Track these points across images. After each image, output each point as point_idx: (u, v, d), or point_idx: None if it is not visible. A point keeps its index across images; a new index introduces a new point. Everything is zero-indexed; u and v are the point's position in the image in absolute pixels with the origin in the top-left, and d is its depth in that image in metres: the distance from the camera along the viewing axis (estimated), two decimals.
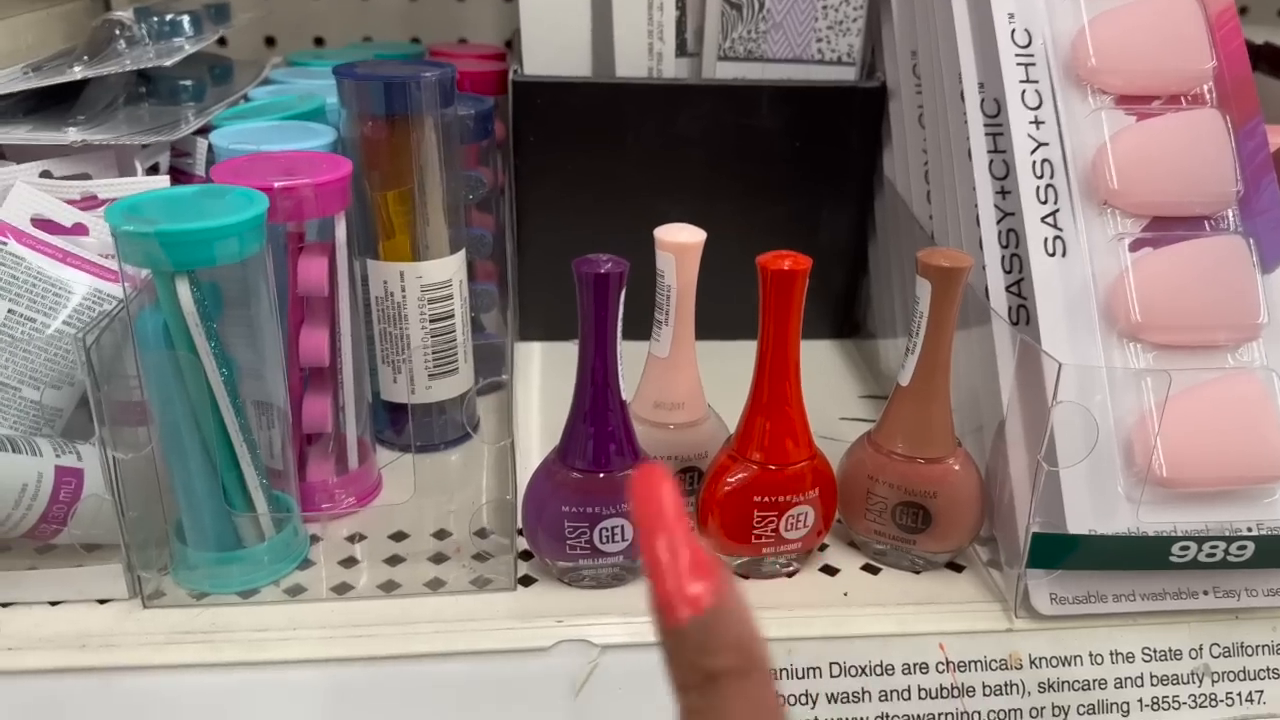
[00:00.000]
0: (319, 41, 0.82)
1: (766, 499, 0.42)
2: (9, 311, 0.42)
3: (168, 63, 0.50)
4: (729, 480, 0.42)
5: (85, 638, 0.39)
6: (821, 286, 0.63)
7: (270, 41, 0.81)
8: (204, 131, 0.50)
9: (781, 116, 0.58)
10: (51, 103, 0.51)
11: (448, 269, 0.49)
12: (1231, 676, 0.42)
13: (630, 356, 0.41)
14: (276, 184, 0.41)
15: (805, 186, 0.60)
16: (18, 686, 0.38)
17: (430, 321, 0.49)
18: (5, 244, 0.42)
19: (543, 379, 0.60)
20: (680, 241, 0.42)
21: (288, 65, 0.68)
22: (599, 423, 0.40)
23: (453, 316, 0.50)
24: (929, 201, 0.53)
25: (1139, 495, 0.40)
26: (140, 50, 0.52)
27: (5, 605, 0.41)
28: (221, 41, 0.78)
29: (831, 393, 0.59)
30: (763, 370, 0.41)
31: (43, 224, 0.43)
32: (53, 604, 0.41)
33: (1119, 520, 0.40)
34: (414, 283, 0.48)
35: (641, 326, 0.44)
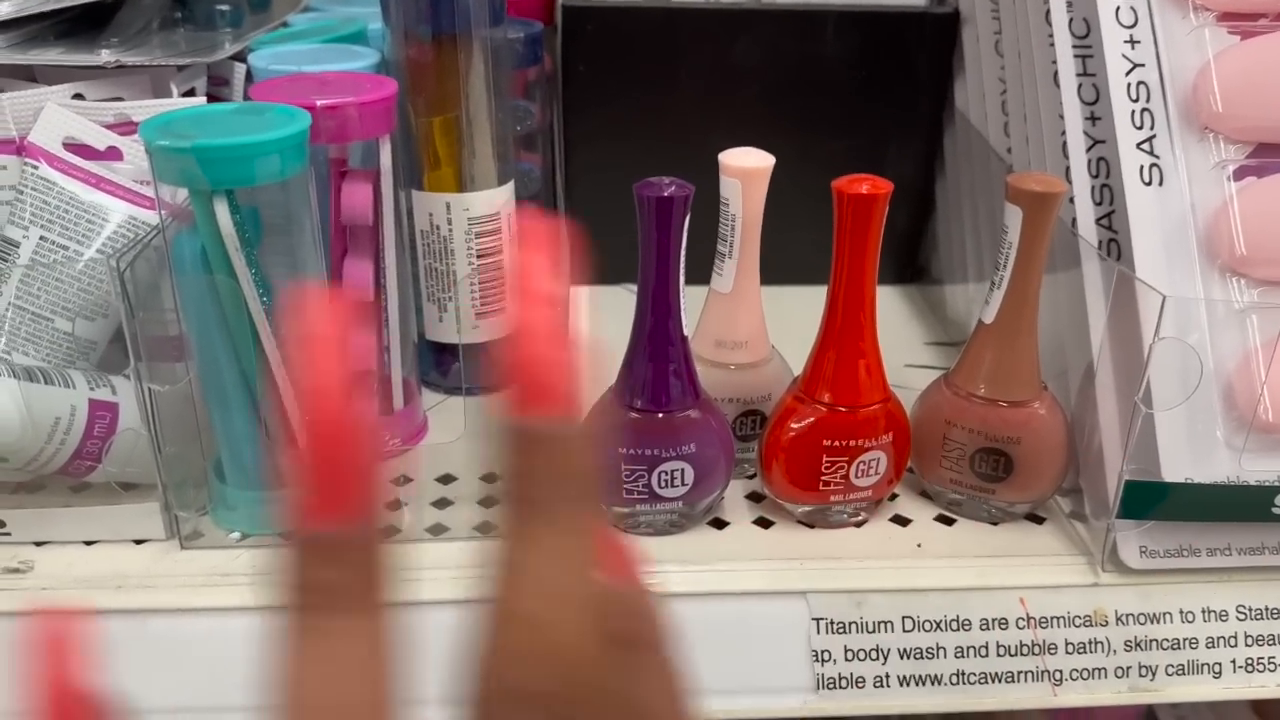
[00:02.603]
0: None
1: (836, 443, 0.39)
2: (40, 239, 0.40)
3: None
4: (794, 424, 0.39)
5: (121, 578, 0.37)
6: (885, 228, 0.60)
7: None
8: (241, 59, 0.48)
9: (846, 44, 0.55)
10: (84, 25, 0.49)
11: (496, 201, 0.47)
12: None
13: (686, 299, 0.38)
14: (319, 102, 0.38)
15: (870, 120, 0.57)
16: None
17: (478, 257, 0.47)
18: (36, 167, 0.40)
19: (591, 323, 0.57)
20: (747, 166, 0.39)
21: None
22: (659, 359, 0.38)
23: (501, 252, 0.47)
24: (1006, 134, 0.50)
25: (1241, 442, 0.37)
26: None
27: (40, 544, 0.39)
28: None
29: (896, 339, 0.56)
30: (835, 303, 0.38)
31: (75, 148, 0.41)
32: (88, 544, 0.39)
33: (1218, 468, 0.38)
34: (460, 215, 0.46)
35: (697, 269, 0.42)
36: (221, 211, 0.34)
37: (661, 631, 0.20)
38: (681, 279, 0.37)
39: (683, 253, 0.37)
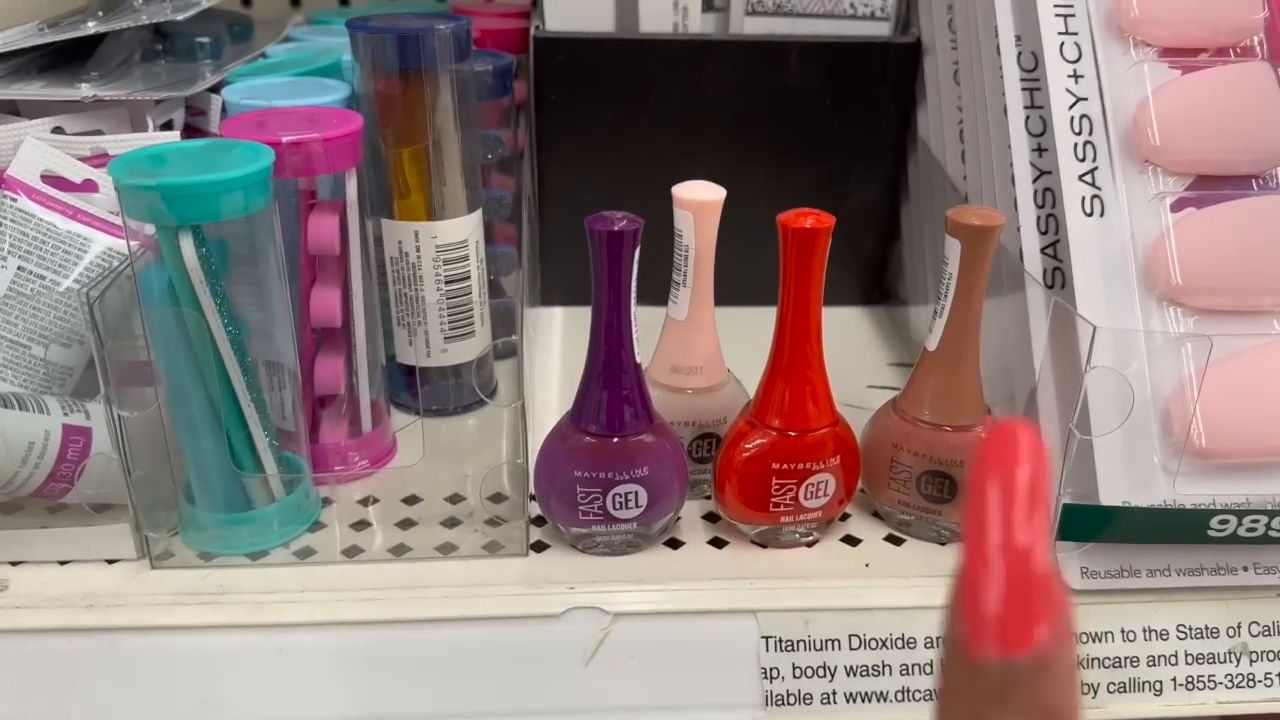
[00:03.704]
0: (344, 1, 0.81)
1: (785, 466, 0.40)
2: (19, 269, 0.41)
3: (181, 18, 0.49)
4: (747, 447, 0.41)
5: (92, 597, 0.39)
6: (851, 251, 0.62)
7: (295, 1, 0.80)
8: (219, 90, 0.49)
9: (812, 74, 0.56)
10: (66, 60, 0.50)
11: (464, 229, 0.48)
12: (1271, 656, 0.41)
13: (649, 322, 0.40)
14: (285, 138, 0.40)
15: (836, 147, 0.58)
16: (25, 645, 0.38)
17: (446, 283, 0.48)
18: (15, 200, 0.42)
19: (564, 344, 0.59)
20: (699, 199, 0.40)
21: (310, 24, 0.67)
22: (612, 385, 0.39)
23: (469, 278, 0.49)
24: (963, 161, 0.51)
25: (1176, 466, 0.39)
26: (156, 6, 0.51)
27: (14, 564, 0.40)
28: (245, 2, 0.78)
29: (860, 360, 0.57)
30: (783, 333, 0.40)
31: (53, 180, 0.43)
32: (61, 563, 0.40)
33: (1155, 492, 0.39)
34: (429, 243, 0.47)
35: (663, 291, 0.43)
36: (186, 247, 0.36)
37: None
38: (634, 308, 0.38)
39: (634, 283, 0.38)
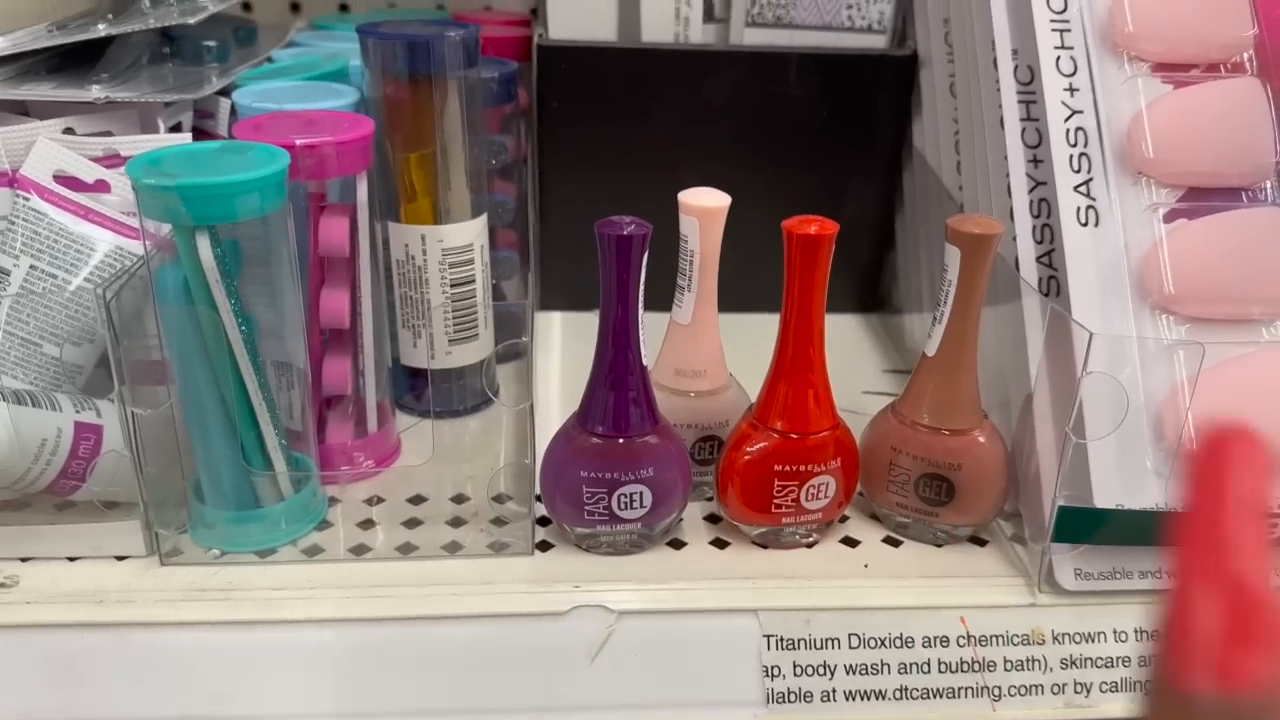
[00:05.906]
0: (344, 8, 0.81)
1: (787, 468, 0.41)
2: (30, 267, 0.42)
3: (191, 21, 0.49)
4: (749, 449, 0.41)
5: (102, 593, 0.39)
6: (847, 260, 0.62)
7: (295, 8, 0.81)
8: (227, 93, 0.50)
9: (810, 85, 0.57)
10: (75, 61, 0.51)
11: (469, 233, 0.49)
12: None
13: (652, 328, 0.40)
14: (299, 141, 0.40)
15: (833, 157, 0.59)
16: (35, 640, 0.38)
17: (451, 286, 0.49)
18: (28, 199, 0.42)
19: (564, 349, 0.59)
20: (704, 206, 0.41)
21: (312, 29, 0.67)
22: (620, 387, 0.40)
23: (473, 281, 0.50)
24: (959, 172, 0.52)
25: (1168, 470, 0.40)
26: (164, 10, 0.52)
27: (24, 560, 0.41)
28: (246, 7, 0.78)
29: (855, 366, 0.58)
30: (786, 337, 0.40)
31: (65, 180, 0.43)
32: (71, 560, 0.41)
33: (1147, 495, 0.40)
34: (435, 246, 0.48)
35: (663, 299, 0.44)
36: (203, 246, 0.36)
37: None
38: (640, 311, 0.39)
39: (641, 287, 0.39)
